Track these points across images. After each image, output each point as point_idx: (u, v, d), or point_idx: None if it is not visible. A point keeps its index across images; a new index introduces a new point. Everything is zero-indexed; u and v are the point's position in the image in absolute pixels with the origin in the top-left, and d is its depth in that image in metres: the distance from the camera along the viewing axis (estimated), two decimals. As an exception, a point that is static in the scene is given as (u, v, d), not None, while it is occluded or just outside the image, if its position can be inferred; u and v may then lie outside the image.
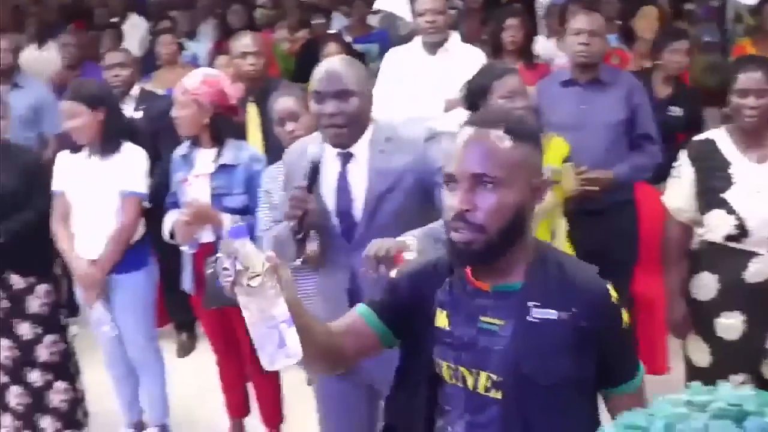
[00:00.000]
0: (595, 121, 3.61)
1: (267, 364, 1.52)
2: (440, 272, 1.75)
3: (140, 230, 3.62)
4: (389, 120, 2.64)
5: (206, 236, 3.36)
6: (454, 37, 4.11)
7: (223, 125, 3.36)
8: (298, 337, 1.51)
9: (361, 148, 2.46)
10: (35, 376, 3.87)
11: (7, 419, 3.95)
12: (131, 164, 3.53)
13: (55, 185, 3.60)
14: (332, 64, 2.49)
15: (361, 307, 1.82)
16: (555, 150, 3.06)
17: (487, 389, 1.66)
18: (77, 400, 3.96)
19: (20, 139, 4.11)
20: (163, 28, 5.36)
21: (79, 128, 3.44)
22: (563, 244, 3.07)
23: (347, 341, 1.77)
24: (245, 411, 3.81)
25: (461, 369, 1.68)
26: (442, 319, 1.71)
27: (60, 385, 3.90)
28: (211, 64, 5.43)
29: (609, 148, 3.62)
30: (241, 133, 3.54)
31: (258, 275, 1.50)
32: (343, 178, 2.47)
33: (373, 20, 7.05)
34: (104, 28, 6.72)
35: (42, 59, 6.33)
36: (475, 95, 3.03)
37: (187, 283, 3.51)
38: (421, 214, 2.40)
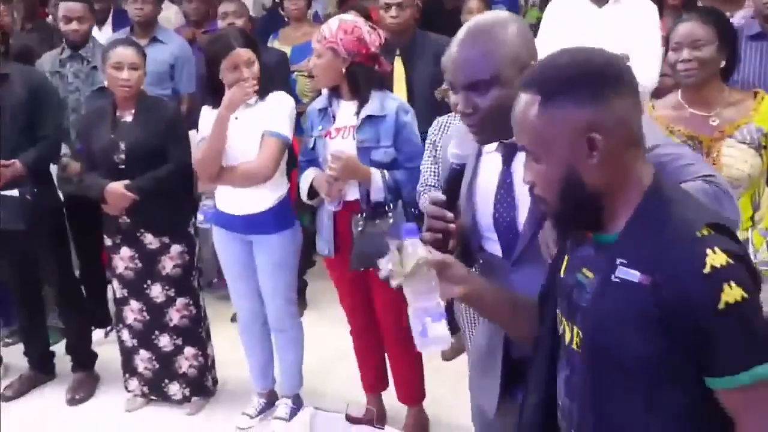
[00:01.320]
0: (790, 79, 3.23)
1: (419, 346, 1.56)
2: None
3: (283, 188, 3.39)
4: None
5: (351, 193, 3.11)
6: None
7: (362, 75, 3.08)
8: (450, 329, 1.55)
9: None
10: (165, 341, 3.73)
11: (134, 383, 3.83)
12: (277, 108, 3.30)
13: (201, 136, 3.39)
14: (463, 42, 1.79)
15: None
16: (766, 110, 2.69)
17: (578, 346, 1.47)
18: (206, 367, 3.81)
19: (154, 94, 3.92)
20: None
21: (253, 72, 3.20)
22: (766, 216, 2.71)
23: None
24: (382, 385, 3.55)
25: (561, 318, 1.55)
26: (563, 266, 1.57)
27: (189, 350, 3.75)
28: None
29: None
30: (385, 85, 3.26)
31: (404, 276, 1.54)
32: (506, 179, 1.89)
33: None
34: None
35: (161, 19, 6.18)
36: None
37: (323, 245, 3.26)
38: None
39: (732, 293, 1.28)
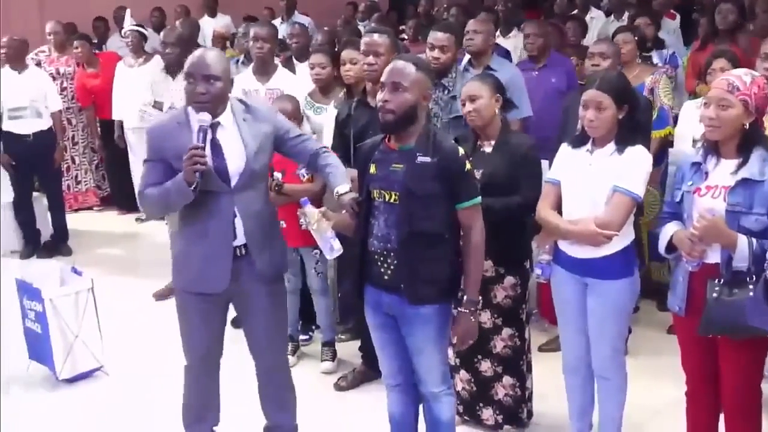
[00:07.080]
0: None
1: (327, 255, 3.31)
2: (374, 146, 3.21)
3: (629, 237, 3.33)
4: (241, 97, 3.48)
5: (712, 256, 2.99)
6: None
7: (756, 134, 2.97)
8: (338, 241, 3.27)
9: (226, 119, 3.26)
10: (486, 366, 3.84)
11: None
12: (636, 165, 3.25)
13: (551, 174, 3.46)
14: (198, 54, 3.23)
15: None
16: None
17: (396, 200, 3.05)
18: (523, 399, 3.86)
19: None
20: (633, 24, 4.99)
21: (601, 120, 3.25)
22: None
23: None
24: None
25: (380, 191, 3.10)
26: (372, 169, 3.13)
27: (508, 380, 3.83)
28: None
29: None
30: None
31: (315, 221, 3.22)
32: (215, 142, 3.23)
33: None
34: (566, 20, 6.59)
35: (509, 46, 6.40)
36: None
37: (675, 301, 3.17)
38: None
39: (468, 165, 3.04)
